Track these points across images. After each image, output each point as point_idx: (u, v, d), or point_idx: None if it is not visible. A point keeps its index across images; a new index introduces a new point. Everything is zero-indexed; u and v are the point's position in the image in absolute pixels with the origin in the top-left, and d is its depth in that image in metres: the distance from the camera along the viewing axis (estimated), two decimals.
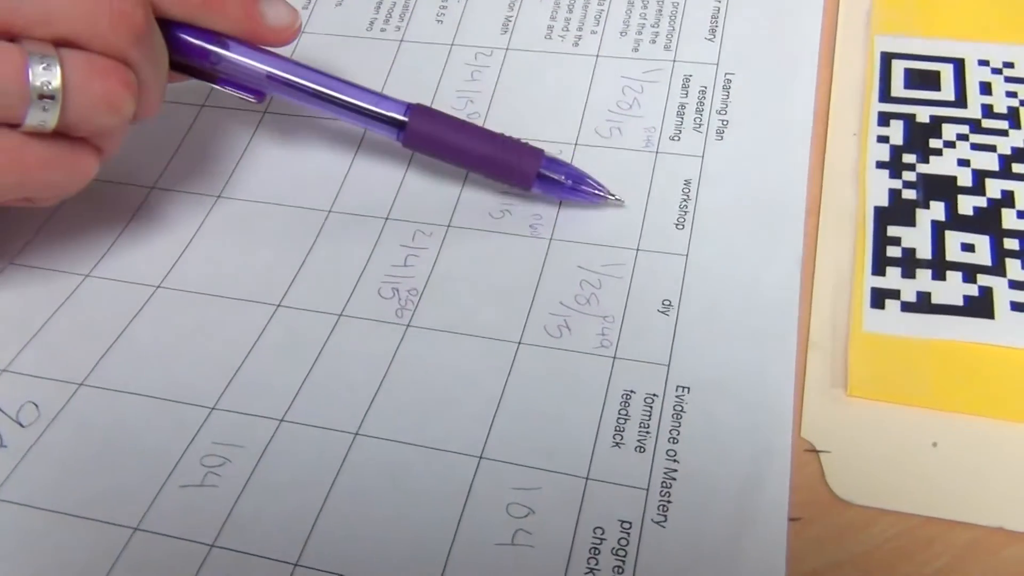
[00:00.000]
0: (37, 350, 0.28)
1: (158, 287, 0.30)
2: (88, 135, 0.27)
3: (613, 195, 0.30)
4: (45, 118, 0.25)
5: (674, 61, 0.34)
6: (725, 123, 0.32)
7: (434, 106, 0.31)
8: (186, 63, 0.29)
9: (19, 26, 0.24)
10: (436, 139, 0.30)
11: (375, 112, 0.30)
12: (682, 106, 0.33)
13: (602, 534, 0.23)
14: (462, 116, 0.34)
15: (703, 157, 0.32)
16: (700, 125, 0.32)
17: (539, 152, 0.30)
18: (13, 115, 0.24)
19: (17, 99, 0.24)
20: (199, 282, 0.30)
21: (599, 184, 0.30)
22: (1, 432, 0.26)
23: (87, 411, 0.27)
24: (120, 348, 0.28)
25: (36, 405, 0.27)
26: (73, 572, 0.23)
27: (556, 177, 0.30)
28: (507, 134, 0.30)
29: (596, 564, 0.23)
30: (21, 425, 0.26)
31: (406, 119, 0.30)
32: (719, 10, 0.35)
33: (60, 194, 0.28)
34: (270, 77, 0.29)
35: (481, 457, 0.25)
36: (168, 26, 0.28)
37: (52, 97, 0.25)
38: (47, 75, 0.24)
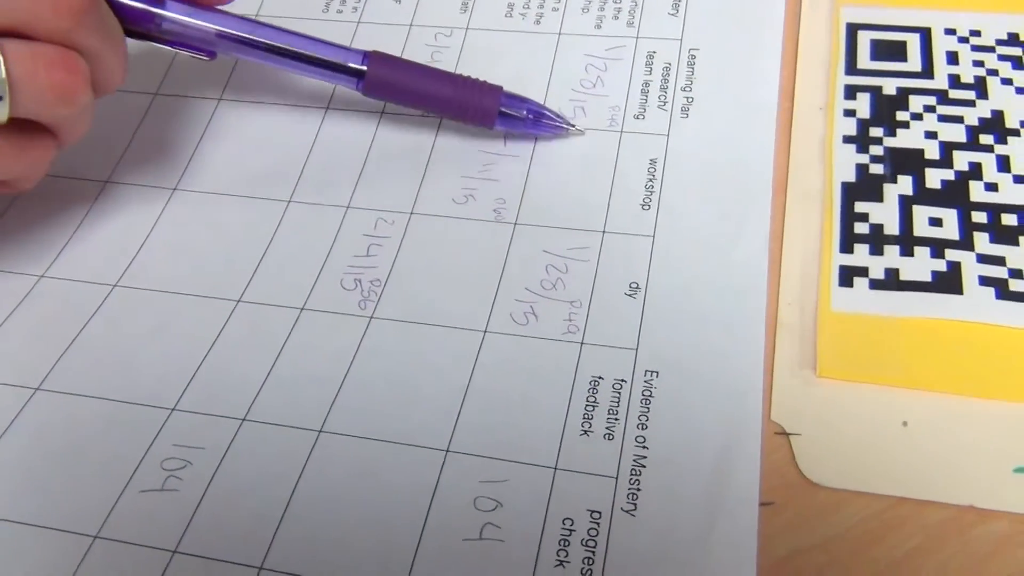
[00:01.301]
0: None
1: (115, 286, 0.29)
2: (45, 124, 0.26)
3: (572, 124, 0.31)
4: None
5: (637, 37, 0.34)
6: (690, 100, 0.32)
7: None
8: (132, 28, 0.28)
9: None
10: (396, 85, 0.30)
11: (333, 63, 0.30)
12: (646, 84, 0.32)
13: (571, 525, 0.23)
14: None
15: (668, 136, 0.31)
16: (665, 103, 0.32)
17: (498, 89, 0.30)
18: None
19: None
20: (157, 279, 0.29)
21: (559, 115, 0.31)
22: None
23: (43, 416, 0.26)
24: (77, 350, 0.28)
25: None
26: None
27: (516, 113, 0.30)
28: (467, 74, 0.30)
29: (566, 556, 0.23)
30: None
31: (364, 68, 0.30)
32: None
33: (19, 185, 0.27)
34: (220, 36, 0.29)
35: (448, 451, 0.25)
36: None
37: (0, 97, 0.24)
38: None
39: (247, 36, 0.29)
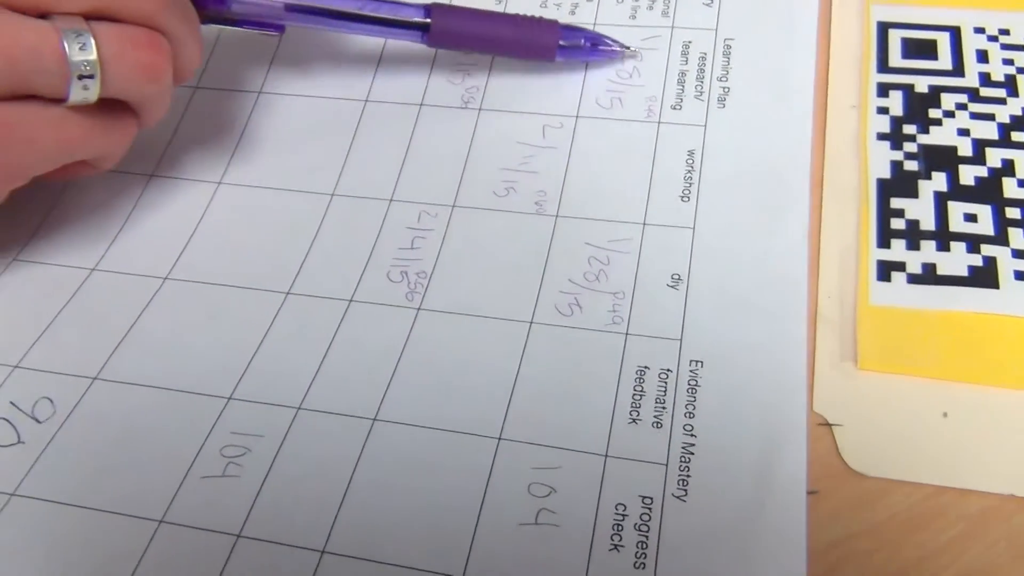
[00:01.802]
0: (48, 346, 0.28)
1: (165, 278, 0.30)
2: (130, 103, 0.27)
3: (627, 47, 0.33)
4: (87, 95, 0.25)
5: (672, 27, 0.34)
6: (726, 90, 0.32)
7: (431, 84, 0.32)
8: (203, 13, 0.29)
9: (53, 4, 0.24)
10: (459, 32, 0.32)
11: (398, 20, 0.31)
12: (682, 74, 0.33)
13: (624, 510, 0.24)
14: (460, 91, 0.34)
15: (706, 126, 0.32)
16: (701, 93, 0.32)
17: (554, 23, 0.32)
18: (56, 92, 0.25)
19: (58, 78, 0.25)
20: (206, 272, 0.30)
21: (615, 40, 0.33)
22: (18, 428, 0.26)
23: (102, 405, 0.27)
24: (132, 341, 0.28)
25: (51, 400, 0.27)
26: (101, 566, 0.23)
27: (575, 44, 0.32)
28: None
29: (620, 540, 0.23)
30: (37, 421, 0.26)
31: (428, 20, 0.31)
32: None
33: (102, 164, 0.28)
34: (288, 8, 0.30)
35: (500, 438, 0.25)
36: None
37: (91, 76, 0.25)
38: (84, 53, 0.25)
39: (315, 4, 0.30)
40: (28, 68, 0.24)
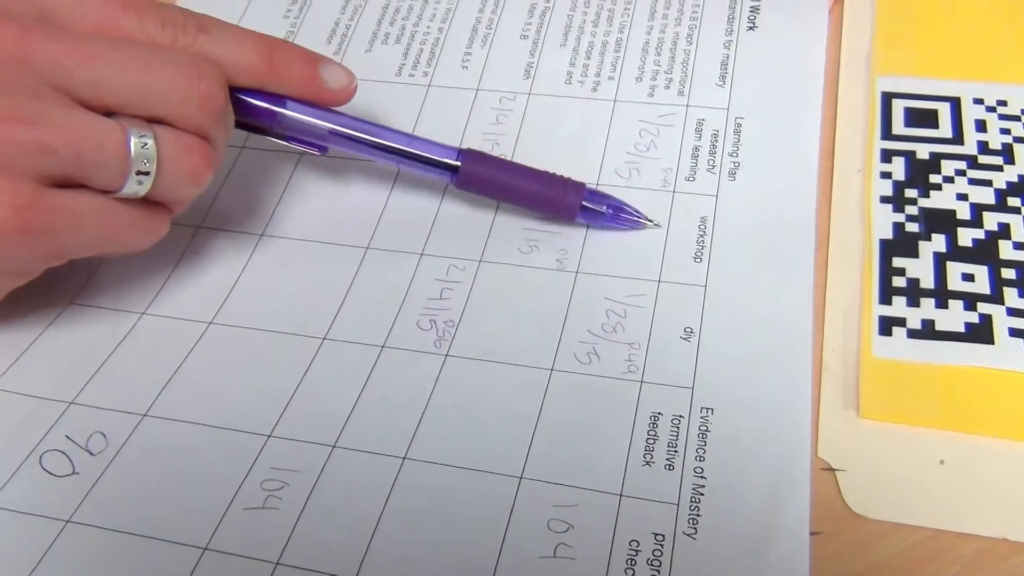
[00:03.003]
0: (102, 383, 0.30)
1: (210, 323, 0.32)
2: (168, 202, 0.29)
3: (651, 220, 0.33)
4: (139, 189, 0.28)
5: (687, 106, 0.36)
6: (737, 164, 0.34)
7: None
8: (253, 123, 0.31)
9: (118, 104, 0.27)
10: (487, 180, 0.33)
11: (431, 159, 0.32)
12: (696, 148, 0.35)
13: (637, 546, 0.25)
14: None
15: (717, 196, 0.34)
16: (713, 167, 0.34)
17: (581, 186, 0.33)
18: (112, 184, 0.27)
19: (118, 172, 0.27)
20: (248, 317, 0.32)
21: (637, 211, 0.33)
22: (73, 460, 0.28)
23: (152, 440, 0.29)
24: (178, 381, 0.30)
25: (104, 435, 0.29)
26: None
27: (598, 208, 0.33)
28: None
29: (633, 574, 0.25)
30: (91, 453, 0.28)
31: (459, 163, 0.32)
32: (728, 57, 0.38)
33: (134, 251, 0.30)
34: (332, 132, 0.32)
35: (521, 477, 0.27)
36: (236, 92, 0.30)
37: (148, 173, 0.27)
38: (145, 152, 0.27)
39: (357, 135, 0.32)
40: (90, 160, 0.26)
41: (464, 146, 0.33)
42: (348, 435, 0.28)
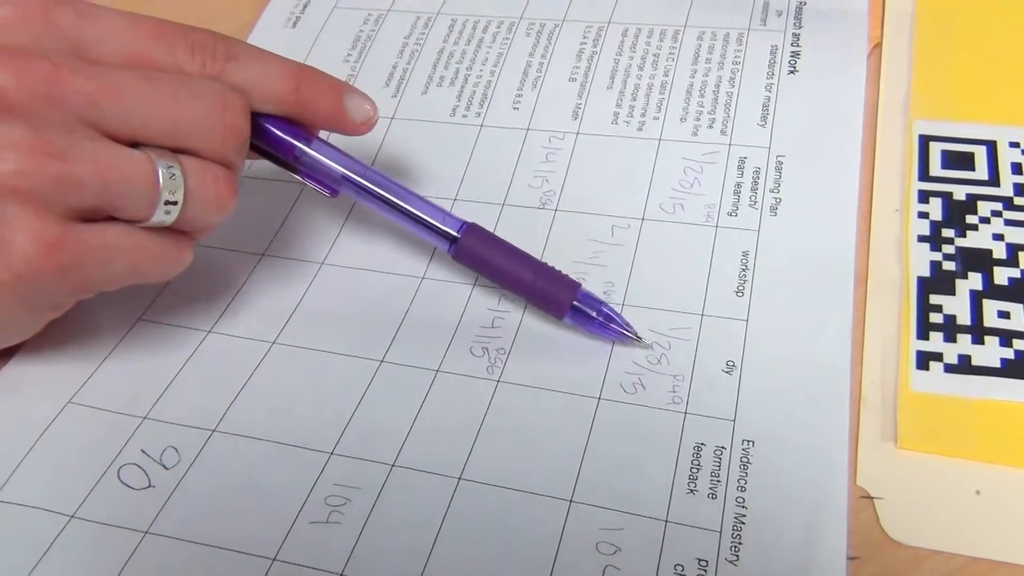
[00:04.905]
0: (173, 399, 0.32)
1: (273, 343, 0.34)
2: (193, 230, 0.31)
3: (640, 337, 0.32)
4: (166, 218, 0.29)
5: (730, 144, 0.38)
6: (778, 200, 0.36)
7: (513, 185, 0.35)
8: (272, 153, 0.32)
9: (145, 137, 0.28)
10: (482, 258, 0.33)
11: (432, 224, 0.33)
12: (738, 185, 0.37)
13: (682, 571, 0.26)
14: (539, 193, 0.38)
15: (759, 231, 0.35)
16: (755, 202, 0.36)
17: (576, 285, 0.32)
18: (141, 214, 0.28)
19: (147, 202, 0.28)
20: (309, 339, 0.34)
21: (627, 324, 0.32)
22: (149, 474, 0.30)
23: (221, 455, 0.30)
24: (244, 398, 0.32)
25: (176, 449, 0.30)
26: None
27: (588, 312, 0.32)
28: (551, 264, 0.32)
29: None
30: (165, 467, 0.30)
31: (458, 235, 0.33)
32: (769, 99, 0.39)
33: (161, 280, 0.31)
34: (345, 178, 0.33)
35: (571, 501, 0.28)
36: (260, 120, 0.31)
37: (175, 203, 0.28)
38: (173, 182, 0.28)
39: (368, 186, 0.32)
40: (119, 191, 0.27)
41: (511, 183, 0.33)
42: (406, 455, 0.30)
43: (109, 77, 0.27)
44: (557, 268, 0.33)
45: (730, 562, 0.27)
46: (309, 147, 0.32)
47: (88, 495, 0.29)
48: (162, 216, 0.29)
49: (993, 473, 0.28)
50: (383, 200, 0.33)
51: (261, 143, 0.32)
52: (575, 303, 0.32)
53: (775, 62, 0.40)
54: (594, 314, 0.32)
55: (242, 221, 0.38)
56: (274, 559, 0.27)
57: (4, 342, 0.33)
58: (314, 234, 0.38)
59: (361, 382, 0.32)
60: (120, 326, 0.35)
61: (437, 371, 0.32)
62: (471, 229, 0.33)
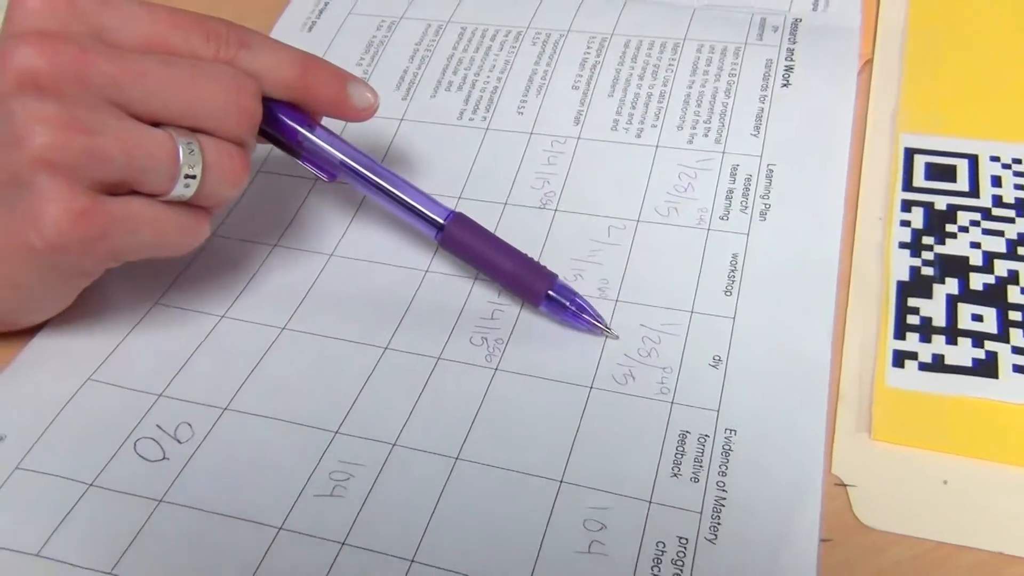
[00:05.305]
0: (187, 378, 0.34)
1: (283, 328, 0.35)
2: (209, 204, 0.32)
3: (609, 329, 0.34)
4: (185, 192, 0.30)
5: (723, 152, 0.40)
6: (768, 206, 0.38)
7: (515, 186, 0.37)
8: (277, 137, 0.34)
9: (165, 116, 0.30)
10: (466, 246, 0.35)
11: (421, 211, 0.35)
12: (730, 191, 0.38)
13: (663, 547, 0.28)
14: (540, 194, 0.39)
15: (748, 235, 0.37)
16: (746, 208, 0.38)
17: (552, 276, 0.34)
18: (161, 188, 0.30)
19: (167, 176, 0.30)
20: (317, 325, 0.35)
21: (599, 316, 0.34)
22: (164, 447, 0.32)
23: (232, 431, 0.32)
24: (255, 379, 0.34)
25: (190, 425, 0.32)
26: (232, 559, 0.28)
27: (562, 301, 0.34)
28: (529, 254, 0.34)
29: (659, 571, 0.28)
30: (179, 441, 0.32)
31: (445, 223, 0.34)
32: (763, 110, 0.41)
33: (183, 251, 0.33)
34: (343, 164, 0.35)
35: (561, 481, 0.30)
36: (268, 104, 0.33)
37: (194, 176, 0.30)
38: (192, 159, 0.30)
39: (363, 172, 0.34)
40: (142, 166, 0.29)
41: (513, 184, 0.35)
42: (406, 435, 0.31)
43: (132, 60, 0.29)
44: (537, 260, 0.35)
45: (709, 540, 0.28)
46: (312, 133, 0.34)
47: (106, 465, 0.31)
48: (181, 190, 0.30)
49: (960, 464, 0.29)
50: (376, 186, 0.35)
51: (267, 127, 0.34)
52: (550, 292, 0.34)
53: (769, 75, 0.42)
54: (568, 304, 0.34)
55: (256, 214, 0.40)
56: (280, 528, 0.29)
57: (44, 312, 0.35)
58: (324, 227, 0.39)
59: (366, 367, 0.34)
60: (138, 310, 0.36)
61: (438, 358, 0.34)
62: (457, 218, 0.35)
